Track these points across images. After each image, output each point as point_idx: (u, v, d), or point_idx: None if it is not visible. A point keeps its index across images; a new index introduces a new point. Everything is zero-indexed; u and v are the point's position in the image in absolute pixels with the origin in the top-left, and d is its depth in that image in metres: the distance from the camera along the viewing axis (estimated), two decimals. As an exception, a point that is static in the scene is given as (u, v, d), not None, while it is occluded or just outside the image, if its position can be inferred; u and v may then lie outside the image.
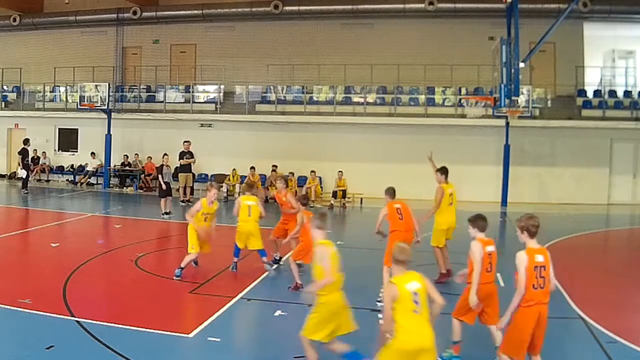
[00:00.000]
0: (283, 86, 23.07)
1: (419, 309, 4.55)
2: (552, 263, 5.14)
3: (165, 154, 16.71)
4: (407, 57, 21.00)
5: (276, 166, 20.95)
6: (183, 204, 18.71)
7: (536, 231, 5.13)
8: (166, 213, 15.85)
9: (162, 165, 16.38)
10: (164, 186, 16.00)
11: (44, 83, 24.59)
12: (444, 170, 9.56)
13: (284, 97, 23.05)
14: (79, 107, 22.61)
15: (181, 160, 18.91)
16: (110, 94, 22.44)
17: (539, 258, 5.02)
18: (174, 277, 8.92)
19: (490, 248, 5.78)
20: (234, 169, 21.19)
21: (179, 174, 19.05)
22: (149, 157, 22.60)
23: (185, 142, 19.11)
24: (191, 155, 19.08)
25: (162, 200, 16.07)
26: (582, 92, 21.32)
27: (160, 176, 16.16)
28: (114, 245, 11.91)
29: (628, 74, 22.12)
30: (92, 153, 23.76)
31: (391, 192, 9.07)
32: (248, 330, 7.28)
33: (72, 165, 24.52)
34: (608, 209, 19.99)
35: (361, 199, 20.35)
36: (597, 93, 21.42)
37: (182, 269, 8.99)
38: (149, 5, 23.58)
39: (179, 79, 24.12)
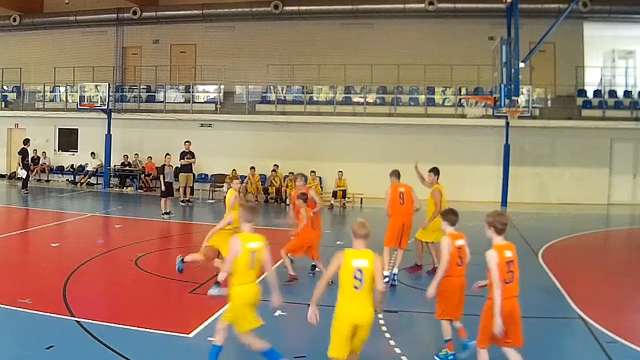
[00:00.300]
0: (283, 86, 23.06)
1: (360, 286, 4.74)
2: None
3: (168, 154, 16.75)
4: (407, 57, 20.99)
5: (277, 166, 20.94)
6: (183, 204, 18.71)
7: (503, 228, 5.17)
8: (166, 213, 15.84)
9: (164, 165, 16.41)
10: (163, 187, 16.01)
11: (44, 83, 24.59)
12: (436, 171, 9.62)
13: (284, 97, 23.04)
14: (79, 107, 22.61)
15: (182, 160, 18.92)
16: (110, 94, 22.44)
17: (508, 253, 5.11)
18: (177, 269, 8.83)
19: (460, 242, 5.89)
20: (234, 169, 21.18)
21: (180, 174, 19.06)
22: (149, 157, 22.62)
23: (186, 142, 19.13)
24: (192, 155, 19.10)
25: (163, 200, 16.07)
26: (582, 92, 21.32)
27: (162, 176, 16.18)
28: (114, 245, 11.91)
29: (628, 74, 22.13)
30: (92, 153, 23.76)
31: (396, 174, 9.24)
32: (248, 330, 7.27)
33: (72, 165, 24.52)
34: (608, 209, 19.99)
35: (361, 199, 20.35)
36: (597, 93, 21.42)
37: (183, 260, 8.90)
38: (149, 5, 23.57)
39: (179, 79, 24.11)
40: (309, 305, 5.98)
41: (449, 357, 5.99)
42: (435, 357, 6.02)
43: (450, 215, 6.02)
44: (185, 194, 19.12)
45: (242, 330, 5.45)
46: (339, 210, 19.33)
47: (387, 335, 6.63)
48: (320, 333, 6.68)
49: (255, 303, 5.48)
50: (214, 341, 5.56)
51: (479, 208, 17.96)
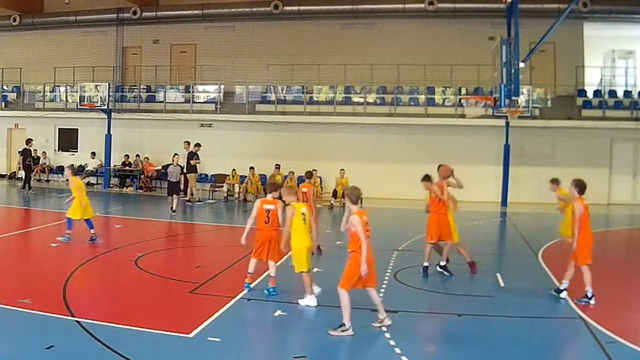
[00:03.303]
0: (283, 86, 23.08)
1: (304, 223, 7.64)
2: None
3: (176, 154, 16.91)
4: (407, 57, 21.01)
5: (279, 165, 20.85)
6: (190, 203, 18.72)
7: (355, 199, 6.86)
8: (172, 209, 16.09)
9: (169, 164, 16.55)
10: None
11: (44, 83, 24.59)
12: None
13: (284, 97, 23.05)
14: (79, 107, 22.60)
15: (192, 161, 18.97)
16: (110, 94, 22.43)
17: (366, 217, 6.76)
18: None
19: (269, 206, 7.99)
20: (233, 169, 21.18)
21: (189, 174, 19.01)
22: (145, 157, 22.62)
23: (190, 143, 19.20)
24: (197, 156, 19.15)
25: (169, 197, 16.48)
26: (582, 92, 21.32)
27: (169, 174, 16.38)
28: (114, 245, 11.90)
29: (628, 74, 22.13)
30: (93, 153, 23.75)
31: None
32: (248, 330, 7.27)
33: (72, 165, 24.45)
34: (608, 209, 19.96)
35: (361, 198, 20.32)
36: (597, 93, 21.42)
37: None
38: (149, 5, 23.58)
39: (179, 79, 24.13)
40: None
41: (270, 290, 8.05)
42: (265, 291, 8.01)
43: (268, 186, 8.71)
44: (189, 193, 19.13)
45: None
46: (339, 210, 19.30)
47: (387, 335, 6.62)
48: (321, 333, 6.70)
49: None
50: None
51: (479, 208, 18.02)
